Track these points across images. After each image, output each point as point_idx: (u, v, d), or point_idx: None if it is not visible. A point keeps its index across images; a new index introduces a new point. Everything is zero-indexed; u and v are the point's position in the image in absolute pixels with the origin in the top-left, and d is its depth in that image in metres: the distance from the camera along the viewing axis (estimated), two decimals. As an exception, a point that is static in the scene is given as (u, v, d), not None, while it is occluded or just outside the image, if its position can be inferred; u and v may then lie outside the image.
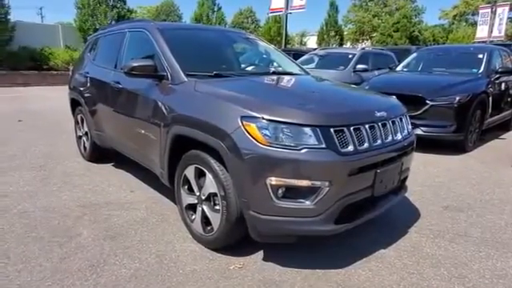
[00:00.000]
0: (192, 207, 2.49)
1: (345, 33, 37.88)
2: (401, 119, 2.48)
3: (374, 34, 37.31)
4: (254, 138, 1.96)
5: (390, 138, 2.28)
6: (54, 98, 10.39)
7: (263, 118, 1.97)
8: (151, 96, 2.76)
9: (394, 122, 2.36)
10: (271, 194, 1.96)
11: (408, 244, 2.53)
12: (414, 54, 6.92)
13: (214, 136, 2.12)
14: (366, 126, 2.12)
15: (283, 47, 16.41)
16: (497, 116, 5.94)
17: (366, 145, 2.09)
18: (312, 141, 1.94)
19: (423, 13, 39.36)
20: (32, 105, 9.15)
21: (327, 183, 1.95)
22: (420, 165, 4.50)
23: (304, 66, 8.02)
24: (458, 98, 4.86)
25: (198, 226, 2.43)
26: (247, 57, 3.27)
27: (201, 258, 2.30)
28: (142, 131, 2.91)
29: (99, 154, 4.13)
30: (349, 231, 2.31)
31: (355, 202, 2.13)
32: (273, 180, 1.94)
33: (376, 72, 7.43)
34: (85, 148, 4.31)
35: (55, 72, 15.70)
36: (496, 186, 3.77)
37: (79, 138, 4.45)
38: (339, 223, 2.07)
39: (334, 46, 30.22)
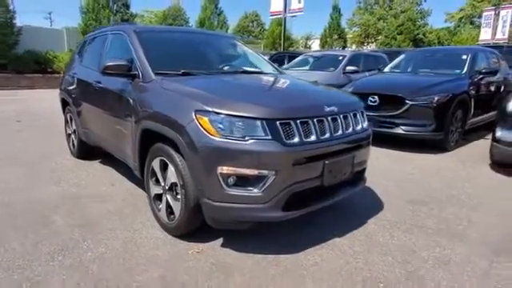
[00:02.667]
0: (159, 197, 2.65)
1: (349, 36, 37.95)
2: (355, 115, 2.62)
3: (379, 37, 37.32)
4: (206, 130, 2.12)
5: (340, 131, 2.42)
6: (54, 100, 10.67)
7: (215, 112, 2.13)
8: (125, 94, 2.95)
9: (345, 117, 2.51)
10: (222, 182, 2.12)
11: (363, 233, 2.66)
12: (403, 56, 7.03)
13: (173, 129, 2.29)
14: (314, 120, 2.27)
15: (283, 49, 16.64)
16: (481, 116, 6.01)
17: (313, 137, 2.24)
18: (258, 133, 2.10)
19: (429, 15, 39.24)
20: (33, 106, 9.43)
21: (273, 172, 2.10)
22: (396, 162, 4.62)
23: (298, 68, 8.23)
24: (436, 98, 4.96)
25: (163, 214, 2.60)
26: (221, 57, 3.44)
27: (164, 243, 2.46)
28: (118, 127, 3.09)
29: (86, 151, 4.33)
30: (308, 221, 2.44)
31: (304, 191, 2.27)
32: (223, 169, 2.10)
33: (367, 73, 7.56)
34: (73, 145, 4.52)
35: (58, 75, 16.06)
36: (467, 182, 3.87)
37: (68, 136, 4.67)
38: (287, 210, 2.22)
39: (337, 48, 30.35)
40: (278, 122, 2.13)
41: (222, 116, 2.12)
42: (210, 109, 2.15)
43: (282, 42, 18.40)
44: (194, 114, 2.17)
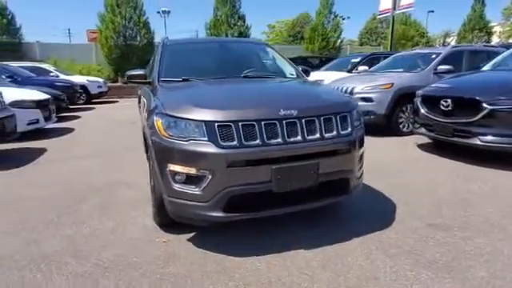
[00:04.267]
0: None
1: (497, 28, 31.73)
2: (329, 119, 2.40)
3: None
4: (159, 131, 2.35)
5: (298, 136, 2.28)
6: None
7: (167, 115, 2.34)
8: (146, 98, 3.42)
9: (311, 122, 2.34)
10: (171, 179, 2.31)
11: (335, 250, 2.40)
12: (509, 51, 5.67)
13: (149, 130, 2.60)
14: (262, 123, 2.22)
15: (390, 49, 15.27)
16: None
17: (256, 141, 2.19)
18: (198, 134, 2.21)
19: None
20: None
21: (209, 172, 2.17)
22: (452, 177, 3.85)
23: (387, 70, 7.50)
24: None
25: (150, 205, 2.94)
26: (234, 64, 3.59)
27: (145, 230, 2.77)
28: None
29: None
30: (286, 228, 2.40)
31: (251, 194, 2.25)
32: (170, 167, 2.29)
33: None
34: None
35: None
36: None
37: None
38: (230, 212, 2.24)
39: (479, 44, 25.79)
40: (216, 125, 2.19)
41: (171, 118, 2.31)
42: (165, 112, 2.37)
43: (406, 42, 16.71)
44: (155, 116, 2.43)
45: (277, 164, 2.22)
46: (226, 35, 19.43)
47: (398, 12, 14.95)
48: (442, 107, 4.63)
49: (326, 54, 20.54)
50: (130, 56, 17.70)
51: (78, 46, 20.38)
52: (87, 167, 4.63)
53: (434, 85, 5.22)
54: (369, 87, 6.41)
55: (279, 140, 2.24)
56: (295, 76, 3.60)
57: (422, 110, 5.07)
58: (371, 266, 2.20)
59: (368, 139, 6.00)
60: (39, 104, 6.87)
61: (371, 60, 9.88)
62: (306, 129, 2.32)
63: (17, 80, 9.94)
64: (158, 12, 31.58)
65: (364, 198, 3.17)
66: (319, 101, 2.59)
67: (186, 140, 2.22)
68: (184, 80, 3.12)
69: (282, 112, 2.28)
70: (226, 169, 2.16)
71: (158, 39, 18.40)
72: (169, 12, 32.04)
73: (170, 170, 2.29)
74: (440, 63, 6.65)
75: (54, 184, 3.94)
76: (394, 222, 2.80)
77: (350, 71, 9.43)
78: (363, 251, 2.38)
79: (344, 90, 6.61)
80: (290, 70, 3.71)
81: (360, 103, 6.22)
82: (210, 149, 2.16)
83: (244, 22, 20.60)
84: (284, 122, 2.26)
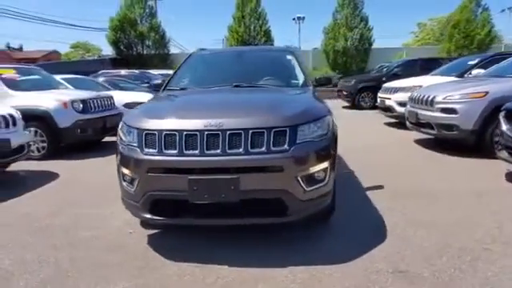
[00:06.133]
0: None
1: None
2: (259, 134, 2.25)
3: None
4: (119, 136, 2.66)
5: (218, 149, 2.23)
6: None
7: (124, 122, 2.64)
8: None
9: (235, 135, 2.24)
10: (121, 178, 2.60)
11: (310, 272, 2.22)
12: None
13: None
14: (184, 134, 2.26)
15: None
16: None
17: (174, 150, 2.26)
18: (132, 140, 2.43)
19: None
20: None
21: (137, 175, 2.37)
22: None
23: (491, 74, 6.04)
24: None
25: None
26: (242, 73, 3.61)
27: (125, 223, 3.08)
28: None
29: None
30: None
31: (177, 201, 2.35)
32: (121, 168, 2.58)
33: None
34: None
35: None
36: None
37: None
38: (155, 214, 2.39)
39: None
40: (144, 133, 2.36)
41: (124, 126, 2.59)
42: (123, 120, 2.67)
43: None
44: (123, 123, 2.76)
45: (193, 174, 2.24)
46: (345, 39, 18.87)
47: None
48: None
49: (465, 54, 17.47)
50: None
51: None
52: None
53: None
54: (453, 96, 5.27)
55: (196, 151, 2.25)
56: (299, 85, 3.41)
57: (504, 128, 3.93)
58: None
59: (446, 158, 5.12)
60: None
61: (494, 61, 7.98)
62: (229, 142, 2.24)
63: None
64: (294, 19, 32.94)
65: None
66: (258, 114, 2.40)
67: (125, 145, 2.48)
68: (181, 89, 3.39)
69: (207, 124, 2.27)
70: (147, 174, 2.31)
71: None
72: (303, 18, 32.92)
73: (120, 171, 2.58)
74: None
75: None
76: None
77: (461, 75, 7.88)
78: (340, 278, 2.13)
79: (424, 100, 5.66)
80: (295, 78, 3.52)
81: (440, 115, 5.24)
82: (136, 154, 2.35)
83: (366, 23, 19.52)
84: (205, 133, 2.25)
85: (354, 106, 12.52)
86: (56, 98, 5.94)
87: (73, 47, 34.41)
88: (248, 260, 2.37)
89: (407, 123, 6.37)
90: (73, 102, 5.94)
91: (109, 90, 8.52)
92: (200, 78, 3.65)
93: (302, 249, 2.53)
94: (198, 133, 2.27)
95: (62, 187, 4.26)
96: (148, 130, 2.38)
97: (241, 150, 2.24)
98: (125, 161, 2.48)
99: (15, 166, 4.91)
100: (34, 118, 5.53)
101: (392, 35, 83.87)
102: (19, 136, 4.52)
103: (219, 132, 2.26)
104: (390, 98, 8.44)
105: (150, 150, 2.33)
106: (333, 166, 2.53)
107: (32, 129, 5.51)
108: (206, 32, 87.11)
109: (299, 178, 2.30)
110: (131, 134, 2.47)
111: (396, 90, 8.36)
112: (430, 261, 2.32)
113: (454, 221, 2.96)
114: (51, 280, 2.24)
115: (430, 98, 5.55)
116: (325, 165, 2.43)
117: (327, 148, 2.46)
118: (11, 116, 4.47)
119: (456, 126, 5.16)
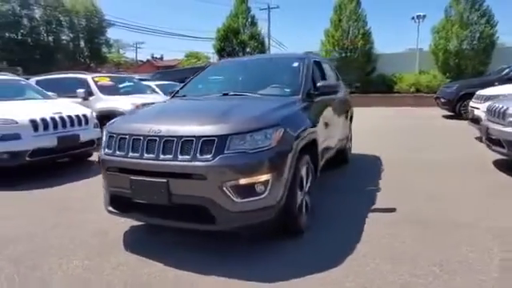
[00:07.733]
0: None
1: None
2: (189, 142, 2.34)
3: None
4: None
5: (153, 153, 2.41)
6: (372, 116, 12.05)
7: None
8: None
9: (168, 142, 2.38)
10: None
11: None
12: None
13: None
14: (132, 138, 2.52)
15: None
16: None
17: (123, 152, 2.54)
18: (103, 141, 2.81)
19: None
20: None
21: (102, 172, 2.75)
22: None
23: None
24: None
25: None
26: (243, 82, 3.65)
27: (116, 222, 3.49)
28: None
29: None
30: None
31: (122, 197, 2.62)
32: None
33: None
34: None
35: (396, 94, 17.46)
36: None
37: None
38: (114, 208, 2.72)
39: None
40: (108, 135, 2.71)
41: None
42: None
43: None
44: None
45: (133, 175, 2.48)
46: (459, 39, 16.33)
47: None
48: None
49: None
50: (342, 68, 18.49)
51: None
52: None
53: None
54: (531, 108, 4.21)
55: (137, 154, 2.48)
56: (286, 94, 3.32)
57: None
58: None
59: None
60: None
61: None
62: (163, 148, 2.40)
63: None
64: (413, 18, 30.08)
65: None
66: (195, 123, 2.47)
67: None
68: (182, 96, 3.68)
69: (149, 130, 2.47)
70: (106, 172, 2.66)
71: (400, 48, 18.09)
72: (424, 16, 29.73)
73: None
74: None
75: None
76: None
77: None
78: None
79: (496, 112, 4.66)
80: (289, 87, 3.41)
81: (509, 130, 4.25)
82: (102, 154, 2.73)
83: (488, 18, 16.50)
84: (147, 138, 2.46)
85: (456, 115, 10.87)
86: (132, 102, 7.02)
87: (186, 56, 39.14)
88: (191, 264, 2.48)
89: (483, 139, 5.30)
90: (144, 105, 6.92)
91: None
92: (201, 87, 3.89)
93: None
94: (141, 137, 2.50)
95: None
96: (110, 132, 2.73)
97: (171, 156, 2.38)
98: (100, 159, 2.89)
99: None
100: (114, 117, 6.71)
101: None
102: (89, 132, 5.54)
103: (157, 138, 2.44)
104: (478, 108, 7.08)
105: (108, 151, 2.68)
106: (279, 179, 2.43)
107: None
108: (310, 35, 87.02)
109: (225, 189, 2.29)
110: (105, 135, 2.88)
111: (487, 98, 6.94)
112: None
113: None
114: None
115: (502, 110, 4.54)
116: (264, 177, 2.36)
117: (268, 160, 2.38)
118: (84, 116, 5.53)
119: (532, 146, 4.11)
